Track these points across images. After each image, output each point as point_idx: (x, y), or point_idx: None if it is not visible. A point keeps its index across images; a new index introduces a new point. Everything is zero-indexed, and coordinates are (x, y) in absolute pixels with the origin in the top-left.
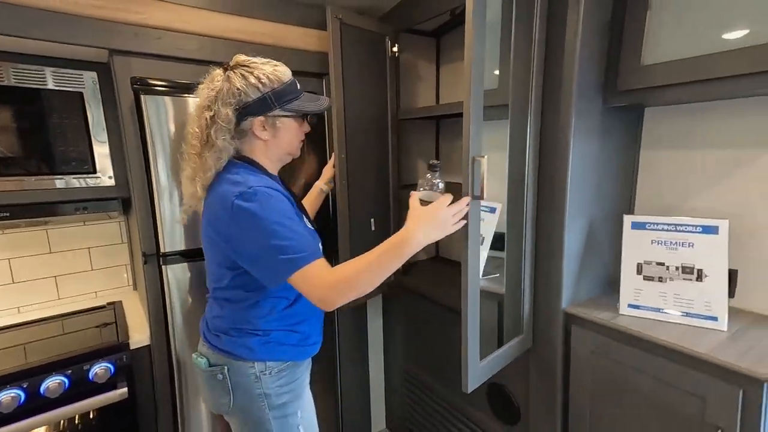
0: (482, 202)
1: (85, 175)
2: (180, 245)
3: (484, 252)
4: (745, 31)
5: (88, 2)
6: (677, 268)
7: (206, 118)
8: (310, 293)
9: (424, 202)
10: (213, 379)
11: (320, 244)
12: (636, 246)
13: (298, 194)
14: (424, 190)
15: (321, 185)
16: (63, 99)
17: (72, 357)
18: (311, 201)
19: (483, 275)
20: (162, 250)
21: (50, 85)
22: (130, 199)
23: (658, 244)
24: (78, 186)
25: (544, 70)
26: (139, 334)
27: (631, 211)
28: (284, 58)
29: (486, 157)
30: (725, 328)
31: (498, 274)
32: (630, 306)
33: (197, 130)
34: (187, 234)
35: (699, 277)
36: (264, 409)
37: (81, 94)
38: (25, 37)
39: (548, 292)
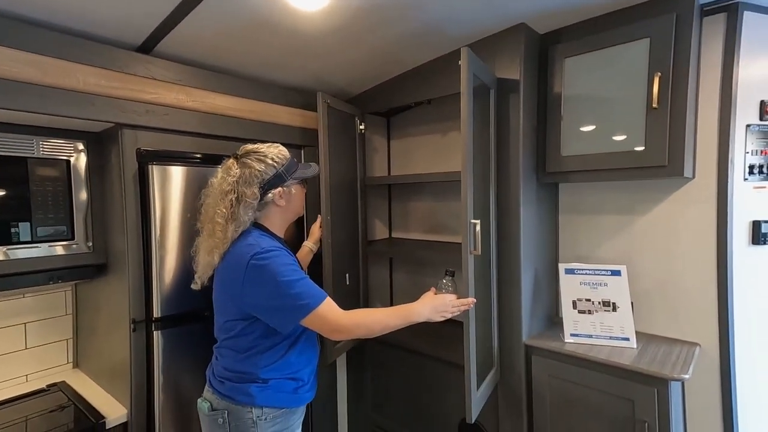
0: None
1: (63, 242)
2: (171, 310)
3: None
4: (610, 142)
5: (109, 84)
6: (599, 303)
7: (231, 200)
8: (326, 326)
9: (438, 293)
10: (214, 423)
11: None
12: (570, 287)
13: None
14: (442, 289)
15: (310, 245)
16: (49, 166)
17: None
18: (301, 260)
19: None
20: (154, 316)
21: (38, 154)
22: (103, 266)
23: (584, 284)
24: (56, 254)
25: (497, 156)
26: (113, 412)
27: (557, 260)
28: (269, 131)
29: (479, 221)
30: (635, 346)
31: None
32: (572, 335)
33: (223, 210)
34: (178, 298)
35: (614, 309)
36: None
37: (68, 162)
38: (44, 114)
39: (512, 329)
